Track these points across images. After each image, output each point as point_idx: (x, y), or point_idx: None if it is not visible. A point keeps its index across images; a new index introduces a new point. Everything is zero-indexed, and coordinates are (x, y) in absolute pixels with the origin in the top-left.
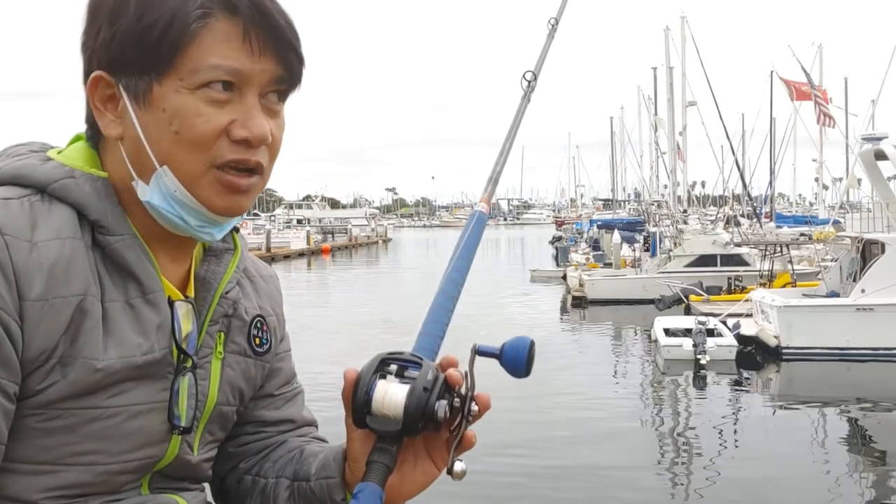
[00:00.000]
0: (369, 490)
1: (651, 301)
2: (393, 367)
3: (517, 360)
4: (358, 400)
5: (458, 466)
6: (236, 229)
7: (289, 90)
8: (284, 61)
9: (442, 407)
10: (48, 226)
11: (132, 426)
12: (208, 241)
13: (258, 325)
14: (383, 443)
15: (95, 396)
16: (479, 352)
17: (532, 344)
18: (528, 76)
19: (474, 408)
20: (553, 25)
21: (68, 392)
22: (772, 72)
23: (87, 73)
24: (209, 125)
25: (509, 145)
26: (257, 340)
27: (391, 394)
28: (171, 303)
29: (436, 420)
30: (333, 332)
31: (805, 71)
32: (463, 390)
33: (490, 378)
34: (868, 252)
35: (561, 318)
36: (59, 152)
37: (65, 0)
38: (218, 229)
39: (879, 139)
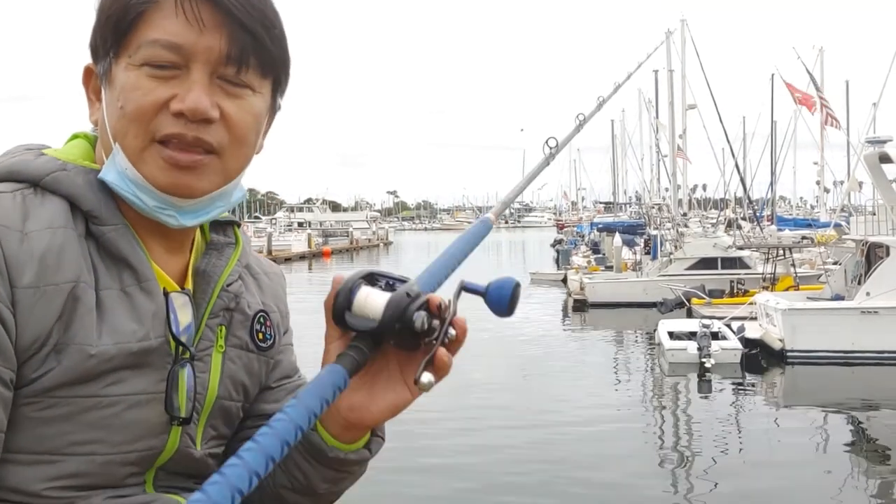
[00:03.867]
0: (335, 370)
1: (652, 304)
2: (381, 282)
3: (501, 298)
4: (340, 298)
5: (426, 378)
6: (237, 224)
7: (241, 71)
8: (231, 37)
9: (420, 317)
10: (40, 217)
11: (131, 416)
12: (175, 225)
13: (261, 320)
14: (357, 341)
15: (92, 384)
16: (464, 287)
17: (518, 285)
18: (552, 143)
19: (452, 332)
20: (581, 122)
21: (63, 379)
22: (773, 75)
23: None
24: (147, 98)
25: (525, 185)
26: (260, 335)
27: (374, 296)
28: (166, 294)
29: (413, 329)
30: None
31: (809, 73)
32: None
33: (492, 378)
34: (872, 255)
35: (562, 321)
36: (54, 151)
37: (59, 4)
38: (183, 213)
39: (884, 142)
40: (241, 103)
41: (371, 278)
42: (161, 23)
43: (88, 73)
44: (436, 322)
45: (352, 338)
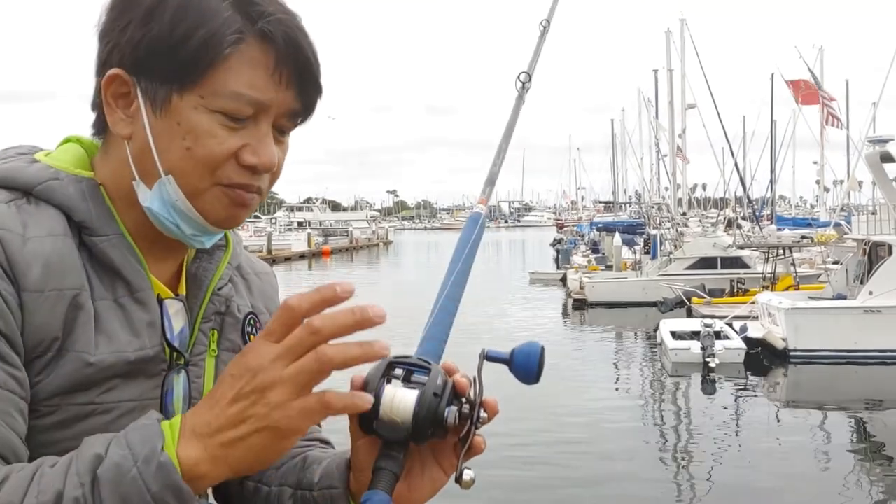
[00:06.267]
0: (377, 498)
1: (652, 304)
2: (399, 372)
3: (528, 366)
4: None
5: (467, 475)
6: None
7: (303, 121)
8: (305, 95)
9: (452, 413)
10: (38, 225)
11: (125, 423)
12: (198, 247)
13: (251, 322)
14: (390, 449)
15: (88, 392)
16: (487, 357)
17: (542, 350)
18: (523, 77)
19: (483, 414)
20: (545, 27)
21: (61, 386)
22: (772, 74)
23: (103, 63)
24: (221, 147)
25: (506, 146)
26: (251, 338)
27: (399, 399)
28: (160, 301)
29: (445, 427)
30: None
31: (811, 72)
32: (471, 396)
33: (492, 379)
34: (874, 254)
35: (562, 321)
36: (46, 154)
37: (62, 5)
38: (209, 238)
39: (885, 141)
40: (284, 147)
41: (390, 368)
42: (245, 73)
43: (113, 79)
44: (465, 406)
45: (383, 444)
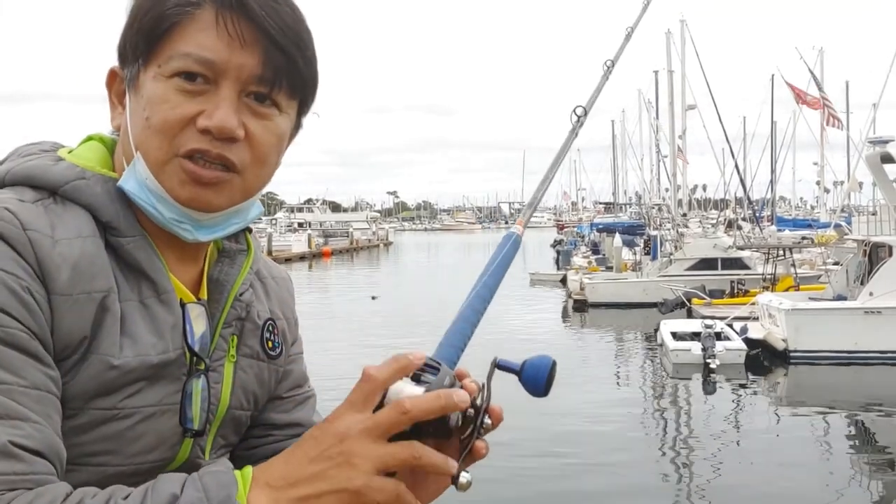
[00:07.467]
0: None
1: (652, 304)
2: None
3: (537, 378)
4: None
5: (464, 477)
6: (249, 230)
7: (273, 92)
8: (266, 57)
9: (455, 415)
10: (66, 226)
11: (145, 428)
12: (190, 239)
13: (270, 328)
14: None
15: (111, 397)
16: (498, 365)
17: (554, 364)
18: (579, 111)
19: (487, 421)
20: (609, 67)
21: (85, 389)
22: (773, 75)
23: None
24: (174, 112)
25: (552, 175)
26: (270, 344)
27: (406, 394)
28: (182, 305)
29: (447, 427)
30: (334, 333)
31: (811, 72)
32: (478, 402)
33: (494, 381)
34: (875, 255)
35: (563, 322)
36: (69, 152)
37: (67, 5)
38: (199, 228)
39: (886, 142)
40: (267, 124)
41: None
42: (196, 36)
43: (113, 77)
44: (470, 411)
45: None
